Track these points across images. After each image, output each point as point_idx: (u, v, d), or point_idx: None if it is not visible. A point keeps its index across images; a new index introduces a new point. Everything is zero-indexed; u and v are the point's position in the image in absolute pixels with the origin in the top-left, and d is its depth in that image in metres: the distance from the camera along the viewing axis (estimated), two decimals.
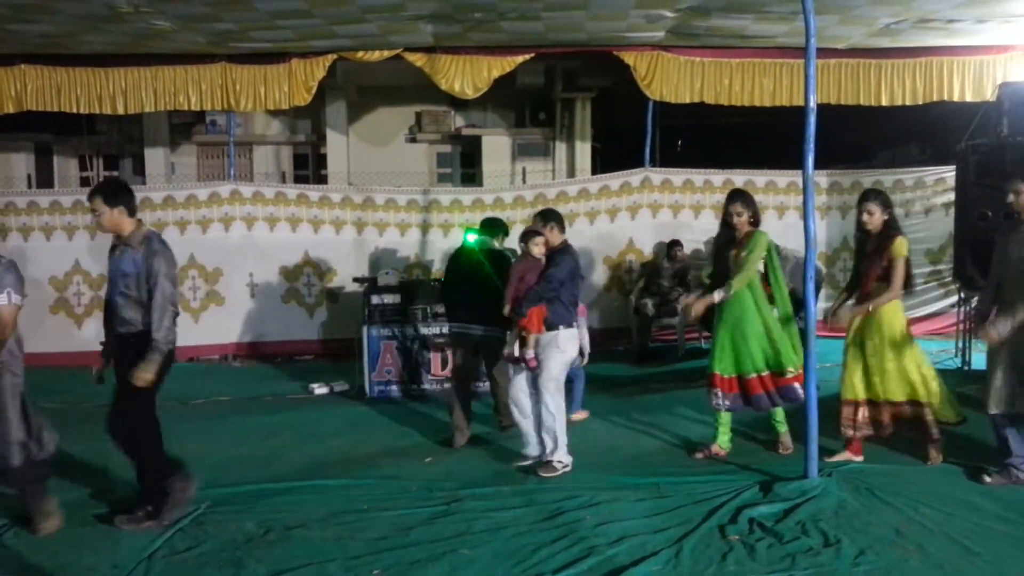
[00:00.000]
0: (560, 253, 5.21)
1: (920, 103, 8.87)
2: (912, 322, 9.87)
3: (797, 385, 5.06)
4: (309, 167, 12.50)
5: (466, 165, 12.55)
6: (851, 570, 3.64)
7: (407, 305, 7.38)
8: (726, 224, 5.18)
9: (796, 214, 9.36)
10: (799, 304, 5.14)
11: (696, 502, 4.46)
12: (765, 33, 8.10)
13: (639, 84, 8.76)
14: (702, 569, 3.69)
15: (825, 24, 7.51)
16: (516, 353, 5.10)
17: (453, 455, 5.54)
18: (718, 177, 9.68)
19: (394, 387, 7.28)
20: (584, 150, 11.89)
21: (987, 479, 4.64)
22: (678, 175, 9.69)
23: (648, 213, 9.60)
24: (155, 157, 11.64)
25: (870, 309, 4.90)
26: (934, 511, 4.27)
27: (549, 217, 5.32)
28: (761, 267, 5.21)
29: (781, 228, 9.00)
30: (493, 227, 6.29)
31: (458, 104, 11.67)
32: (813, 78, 4.73)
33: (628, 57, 8.69)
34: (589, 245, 9.24)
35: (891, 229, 4.94)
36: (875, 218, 4.95)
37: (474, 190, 10.05)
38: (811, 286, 4.74)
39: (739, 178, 9.72)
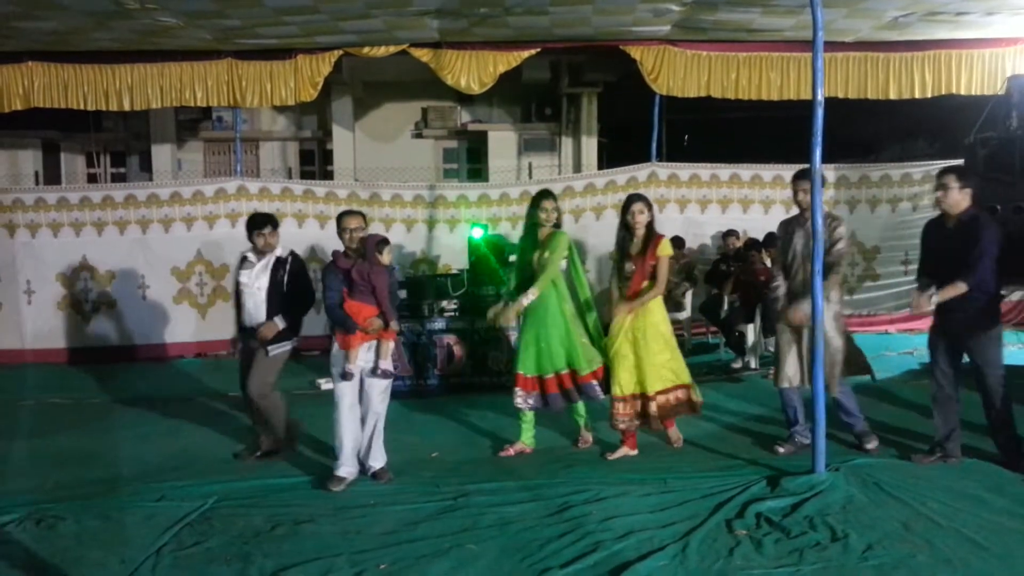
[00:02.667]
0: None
1: (928, 96, 8.83)
2: (917, 316, 9.93)
3: (594, 383, 5.20)
4: (315, 163, 12.52)
5: (472, 160, 12.55)
6: (859, 565, 3.62)
7: (413, 301, 7.39)
8: (625, 226, 5.24)
9: None
10: None
11: (703, 497, 4.45)
12: (772, 27, 8.07)
13: (645, 78, 8.75)
14: (709, 564, 3.67)
15: (832, 17, 7.48)
16: (353, 369, 4.75)
17: (459, 450, 5.54)
18: (725, 172, 9.65)
19: (400, 382, 7.26)
20: (590, 145, 11.88)
21: (780, 450, 5.17)
22: (684, 170, 9.66)
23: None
24: (162, 153, 11.67)
25: (630, 309, 5.12)
26: (942, 505, 4.24)
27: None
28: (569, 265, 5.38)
29: None
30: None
31: (464, 100, 11.66)
32: (821, 71, 4.70)
33: (634, 51, 8.68)
34: (595, 240, 9.23)
35: (655, 230, 5.22)
36: (643, 218, 5.16)
37: (480, 185, 10.04)
38: (819, 280, 4.70)
39: (746, 172, 9.70)
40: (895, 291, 9.79)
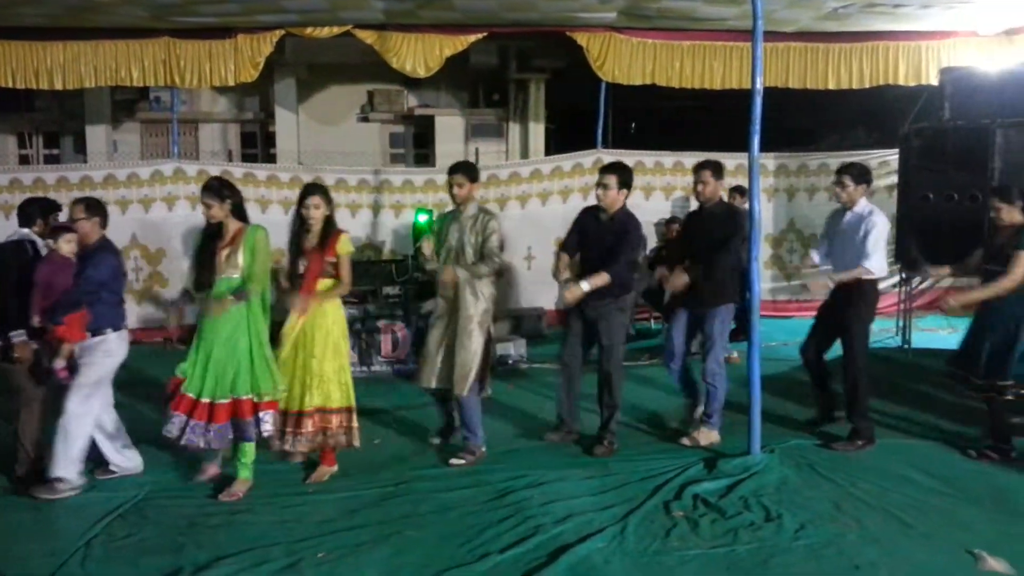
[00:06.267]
0: (99, 251, 4.50)
1: (866, 87, 9.02)
2: None
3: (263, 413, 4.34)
4: (258, 146, 12.26)
5: (419, 145, 12.44)
6: (791, 544, 3.72)
7: (358, 287, 7.31)
8: (302, 218, 4.63)
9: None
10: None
11: (642, 479, 4.51)
12: (715, 16, 8.14)
13: (591, 65, 8.75)
14: (646, 545, 3.73)
15: (774, 7, 7.58)
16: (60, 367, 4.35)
17: (402, 437, 5.50)
18: (669, 159, 9.74)
19: None
20: (538, 131, 11.87)
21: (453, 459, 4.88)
22: (629, 157, 9.66)
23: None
24: (96, 135, 11.29)
25: (303, 311, 4.54)
26: (872, 486, 4.38)
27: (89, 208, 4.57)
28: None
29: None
30: None
31: (411, 84, 11.53)
32: (760, 60, 4.77)
33: (581, 38, 8.67)
34: (541, 226, 9.24)
35: (335, 225, 4.66)
36: (319, 212, 4.56)
37: (426, 171, 9.95)
38: (756, 266, 4.80)
39: (689, 160, 9.77)
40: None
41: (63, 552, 3.70)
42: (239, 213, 4.41)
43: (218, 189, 4.37)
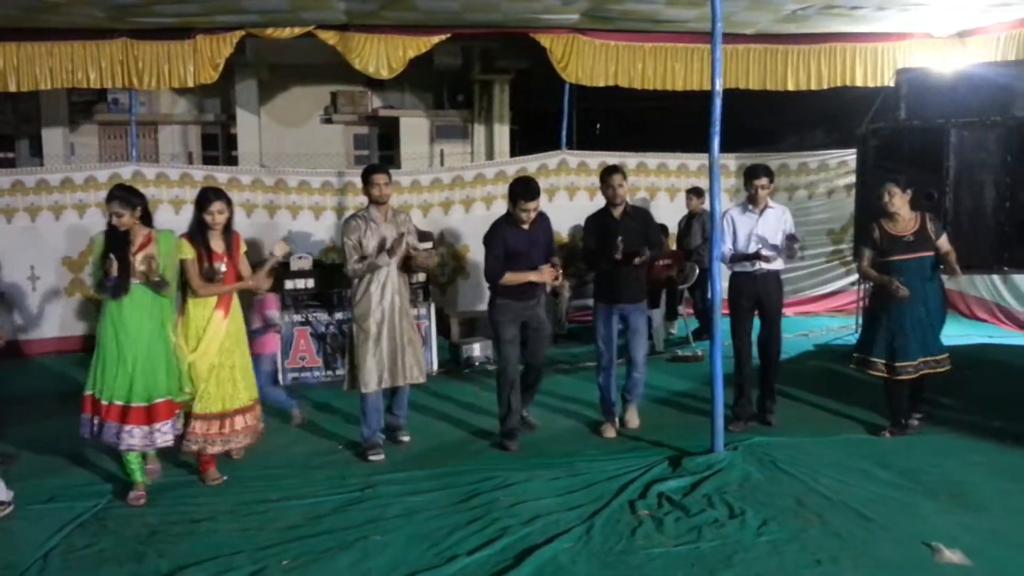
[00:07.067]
0: None
1: (824, 88, 9.16)
2: (814, 300, 10.36)
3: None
4: (219, 148, 12.08)
5: (384, 147, 12.35)
6: (754, 540, 3.77)
7: (322, 290, 7.26)
8: (201, 224, 4.67)
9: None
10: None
11: (608, 479, 4.54)
12: (677, 18, 8.21)
13: (555, 67, 8.78)
14: (612, 544, 3.76)
15: (733, 10, 7.67)
16: None
17: None
18: (632, 160, 9.79)
19: (309, 374, 7.16)
20: (503, 133, 11.86)
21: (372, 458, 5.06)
22: (594, 158, 9.76)
23: (565, 196, 9.66)
24: (53, 137, 11.03)
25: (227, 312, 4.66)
26: (833, 481, 4.45)
27: None
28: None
29: None
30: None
31: (375, 85, 11.46)
32: (719, 62, 4.83)
33: (544, 39, 8.69)
34: None
35: (232, 227, 4.78)
36: (223, 217, 4.66)
37: (391, 173, 9.88)
38: (717, 266, 4.86)
39: (652, 161, 9.90)
40: (790, 276, 10.13)
41: (19, 565, 3.62)
42: (146, 219, 4.51)
43: (127, 198, 4.42)
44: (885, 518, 3.99)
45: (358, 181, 9.34)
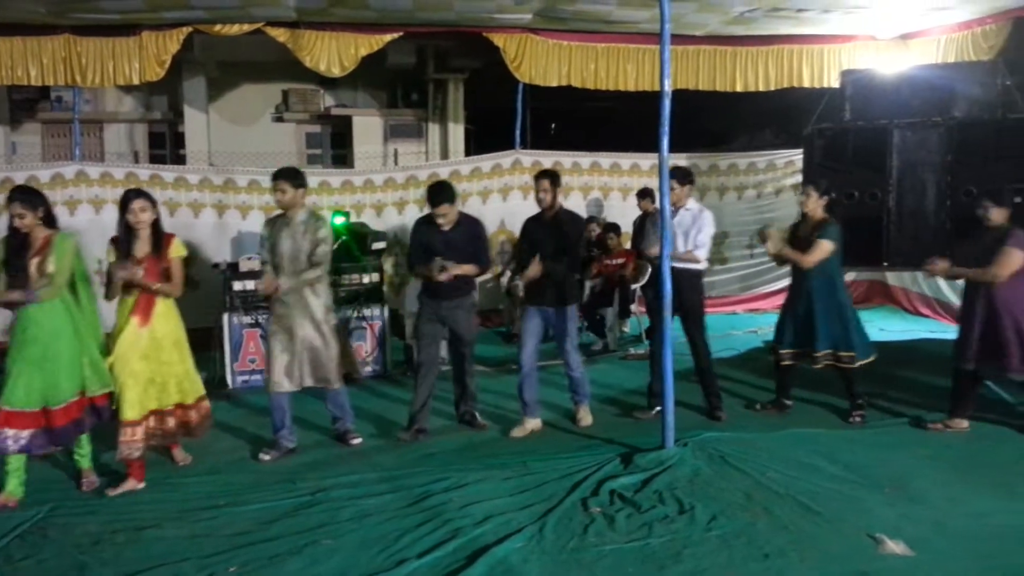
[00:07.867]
0: None
1: (772, 89, 9.33)
2: (762, 297, 10.53)
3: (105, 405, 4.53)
4: (166, 147, 11.84)
5: (337, 146, 12.24)
6: (704, 535, 3.81)
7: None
8: (127, 226, 4.57)
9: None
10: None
11: (561, 477, 4.56)
12: (628, 19, 8.28)
13: (508, 66, 8.79)
14: (564, 542, 3.77)
15: (683, 11, 7.76)
16: None
17: (319, 445, 5.41)
18: (586, 160, 9.87)
19: (259, 377, 7.04)
20: (457, 132, 11.83)
21: (265, 457, 5.08)
22: (547, 157, 9.80)
23: (519, 195, 9.66)
24: None
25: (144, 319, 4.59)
26: (780, 475, 4.52)
27: None
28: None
29: None
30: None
31: (327, 83, 11.34)
32: (668, 63, 4.87)
33: (498, 39, 8.70)
34: None
35: (162, 229, 4.68)
36: (146, 216, 4.57)
37: (343, 172, 9.80)
38: (667, 265, 4.90)
39: (605, 160, 9.97)
40: (742, 274, 10.38)
41: None
42: (48, 220, 4.38)
43: (29, 199, 4.32)
44: (831, 511, 4.07)
45: (310, 181, 9.31)
